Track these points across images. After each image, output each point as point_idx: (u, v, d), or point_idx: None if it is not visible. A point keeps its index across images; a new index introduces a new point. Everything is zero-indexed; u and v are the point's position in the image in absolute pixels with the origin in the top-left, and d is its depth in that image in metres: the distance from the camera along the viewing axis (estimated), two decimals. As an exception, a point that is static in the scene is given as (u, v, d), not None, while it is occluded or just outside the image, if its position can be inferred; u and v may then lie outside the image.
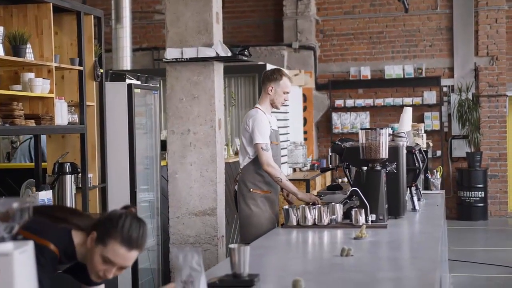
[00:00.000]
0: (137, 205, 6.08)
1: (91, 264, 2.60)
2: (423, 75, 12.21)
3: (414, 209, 4.96)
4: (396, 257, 3.55)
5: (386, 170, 4.45)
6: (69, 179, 5.21)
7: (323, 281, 2.93)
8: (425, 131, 8.27)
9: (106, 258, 2.55)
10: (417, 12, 12.32)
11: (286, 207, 4.31)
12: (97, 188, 5.69)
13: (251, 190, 4.98)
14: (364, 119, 12.35)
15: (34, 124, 4.85)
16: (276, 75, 5.06)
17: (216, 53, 5.22)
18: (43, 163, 5.53)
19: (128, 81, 6.49)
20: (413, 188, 5.06)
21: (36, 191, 5.02)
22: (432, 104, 12.14)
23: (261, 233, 4.53)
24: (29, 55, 4.84)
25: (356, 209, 4.22)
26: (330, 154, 5.14)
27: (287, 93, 5.09)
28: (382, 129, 4.42)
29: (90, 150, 5.56)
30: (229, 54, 5.26)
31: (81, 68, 5.39)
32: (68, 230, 2.63)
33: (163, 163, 6.45)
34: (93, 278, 2.65)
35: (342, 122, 12.42)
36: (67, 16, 5.47)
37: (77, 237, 2.63)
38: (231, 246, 2.72)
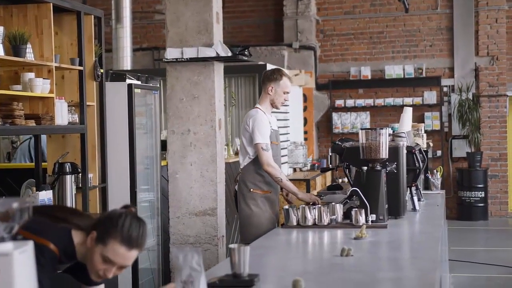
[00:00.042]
0: (137, 205, 6.08)
1: (91, 263, 2.60)
2: (424, 75, 12.21)
3: (414, 209, 4.96)
4: (396, 257, 3.55)
5: (386, 170, 4.45)
6: (69, 179, 5.21)
7: (323, 281, 2.93)
8: (426, 131, 8.27)
9: (106, 258, 2.55)
10: (417, 12, 12.32)
11: (286, 207, 4.31)
12: (97, 188, 5.69)
13: (251, 190, 4.98)
14: (364, 119, 12.35)
15: (34, 124, 4.85)
16: (276, 75, 5.06)
17: (216, 53, 5.22)
18: (43, 163, 5.53)
19: (128, 81, 6.49)
20: (413, 188, 5.06)
21: (36, 191, 5.02)
22: (432, 104, 12.14)
23: (261, 233, 4.53)
24: (29, 55, 4.84)
25: (356, 209, 4.22)
26: (330, 154, 5.14)
27: (287, 93, 5.09)
28: (382, 129, 4.42)
29: (90, 150, 5.56)
30: (229, 54, 5.26)
31: (81, 68, 5.39)
32: (68, 229, 2.63)
33: (163, 163, 6.45)
34: (93, 278, 2.65)
35: (343, 122, 12.42)
36: (67, 16, 5.47)
37: (77, 236, 2.63)
38: (231, 246, 2.72)
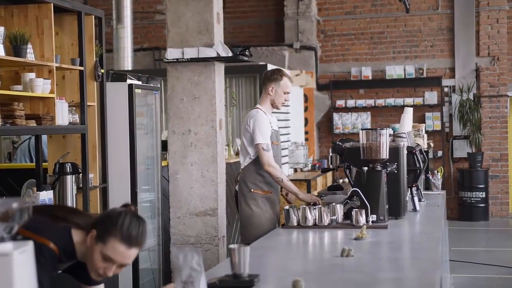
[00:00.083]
0: (138, 206, 6.08)
1: (91, 262, 2.60)
2: (424, 75, 12.21)
3: (414, 209, 4.96)
4: (397, 258, 3.55)
5: (387, 170, 4.44)
6: (70, 179, 5.21)
7: (323, 281, 2.93)
8: (426, 132, 8.28)
9: (106, 256, 2.55)
10: (418, 13, 12.31)
11: (287, 207, 4.31)
12: (98, 188, 5.69)
13: (252, 190, 4.98)
14: (365, 119, 12.35)
15: (35, 124, 4.85)
16: (277, 75, 5.05)
17: (217, 53, 5.23)
18: (44, 163, 5.53)
19: (129, 81, 6.49)
20: (414, 189, 5.05)
21: (37, 191, 5.02)
22: (433, 105, 12.14)
23: (262, 234, 4.53)
24: (30, 55, 4.84)
25: (356, 209, 4.22)
26: (331, 154, 5.14)
27: (288, 93, 5.09)
28: (382, 129, 4.41)
29: (91, 150, 5.56)
30: (230, 54, 5.26)
31: (82, 68, 5.39)
32: (67, 228, 2.63)
33: (164, 163, 6.45)
34: (93, 276, 2.65)
35: (343, 122, 12.42)
36: (68, 16, 5.47)
37: (76, 235, 2.63)
38: (231, 246, 2.72)
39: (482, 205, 11.75)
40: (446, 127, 12.21)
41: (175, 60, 5.29)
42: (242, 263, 2.72)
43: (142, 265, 6.20)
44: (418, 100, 12.12)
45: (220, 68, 5.45)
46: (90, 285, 2.81)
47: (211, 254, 5.32)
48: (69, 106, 5.28)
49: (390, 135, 4.70)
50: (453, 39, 12.19)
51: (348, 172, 4.90)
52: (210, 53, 5.23)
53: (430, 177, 6.47)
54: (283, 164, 6.00)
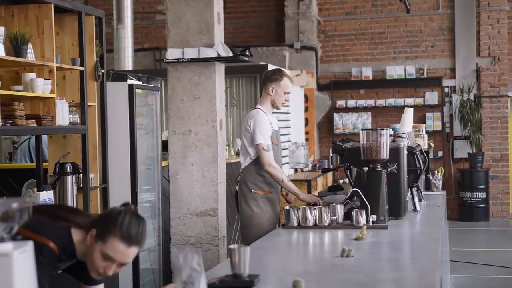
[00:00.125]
0: (139, 206, 6.08)
1: (91, 261, 2.60)
2: (425, 75, 12.21)
3: (415, 210, 4.96)
4: (397, 258, 3.55)
5: (387, 170, 4.44)
6: (70, 180, 5.21)
7: (324, 281, 2.93)
8: (427, 132, 8.28)
9: (106, 255, 2.56)
10: (418, 13, 12.31)
11: (287, 207, 4.31)
12: (98, 189, 5.69)
13: (252, 190, 4.98)
14: (365, 119, 12.35)
15: (35, 125, 4.85)
16: (277, 75, 5.06)
17: (218, 53, 5.23)
18: (44, 163, 5.53)
19: (129, 81, 6.49)
20: (414, 189, 5.05)
21: (37, 191, 5.02)
22: (433, 105, 12.13)
23: (262, 234, 4.53)
24: (30, 56, 4.84)
25: (357, 209, 4.22)
26: (331, 154, 5.14)
27: (288, 93, 5.09)
28: (383, 129, 4.41)
29: (91, 151, 5.57)
30: (231, 54, 5.26)
31: (82, 68, 5.39)
32: (67, 228, 2.64)
33: (164, 163, 6.45)
34: (93, 275, 2.65)
35: (344, 122, 12.42)
36: (68, 16, 5.47)
37: (76, 235, 2.64)
38: (231, 246, 2.72)
39: (483, 205, 11.75)
40: (447, 127, 12.20)
41: (176, 60, 5.29)
42: (242, 263, 2.72)
43: (142, 265, 6.20)
44: (419, 101, 12.12)
45: (220, 68, 5.45)
46: (90, 284, 2.82)
47: (211, 254, 5.32)
48: (69, 106, 5.28)
49: (390, 136, 4.69)
50: (454, 39, 12.19)
51: (348, 172, 4.90)
52: (210, 53, 5.23)
53: (431, 178, 6.47)
54: (283, 164, 6.00)
